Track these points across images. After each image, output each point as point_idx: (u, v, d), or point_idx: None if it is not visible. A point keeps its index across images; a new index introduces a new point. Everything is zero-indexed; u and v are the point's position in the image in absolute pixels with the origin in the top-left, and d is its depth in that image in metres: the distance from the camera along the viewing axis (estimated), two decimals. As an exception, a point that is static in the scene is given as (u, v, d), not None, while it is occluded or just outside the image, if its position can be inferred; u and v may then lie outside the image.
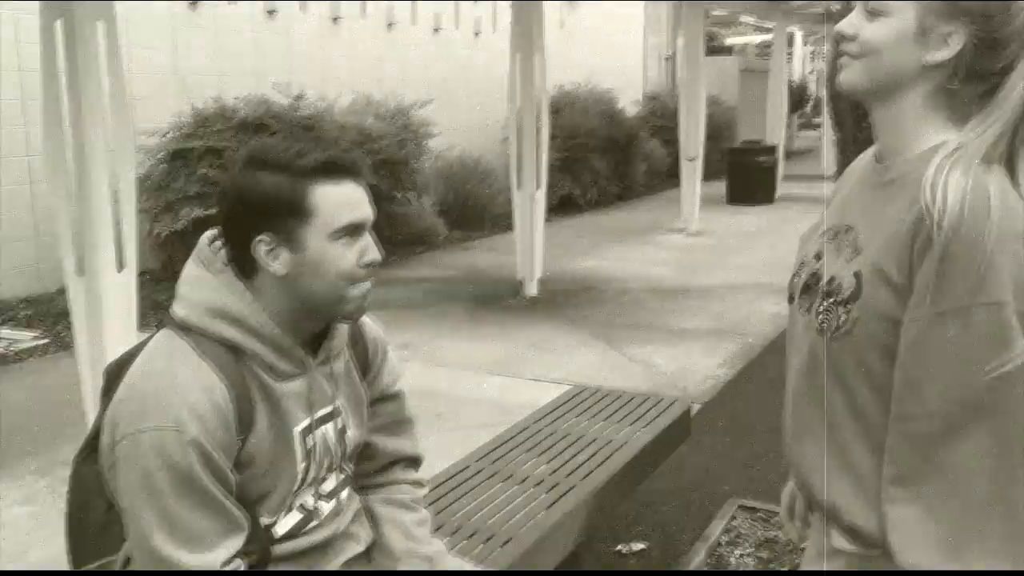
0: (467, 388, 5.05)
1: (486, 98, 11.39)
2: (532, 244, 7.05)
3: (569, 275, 7.99)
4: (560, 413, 3.13)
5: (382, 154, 8.11)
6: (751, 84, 17.39)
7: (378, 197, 6.52)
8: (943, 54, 1.20)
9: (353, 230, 1.45)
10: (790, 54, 20.57)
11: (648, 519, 3.45)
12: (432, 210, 9.58)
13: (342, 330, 1.60)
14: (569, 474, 2.61)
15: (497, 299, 7.10)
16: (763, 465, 3.92)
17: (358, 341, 1.68)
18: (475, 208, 10.17)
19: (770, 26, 15.05)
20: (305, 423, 1.52)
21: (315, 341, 1.55)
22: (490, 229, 10.16)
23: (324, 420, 1.56)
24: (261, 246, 1.43)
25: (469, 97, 11.37)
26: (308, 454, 1.53)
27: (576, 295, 7.27)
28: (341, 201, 1.44)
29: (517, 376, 5.25)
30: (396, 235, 8.53)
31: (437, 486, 2.52)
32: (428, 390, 4.87)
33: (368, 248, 1.47)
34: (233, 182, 1.45)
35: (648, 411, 3.09)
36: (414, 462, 1.83)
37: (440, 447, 3.58)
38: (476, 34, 11.88)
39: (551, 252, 8.64)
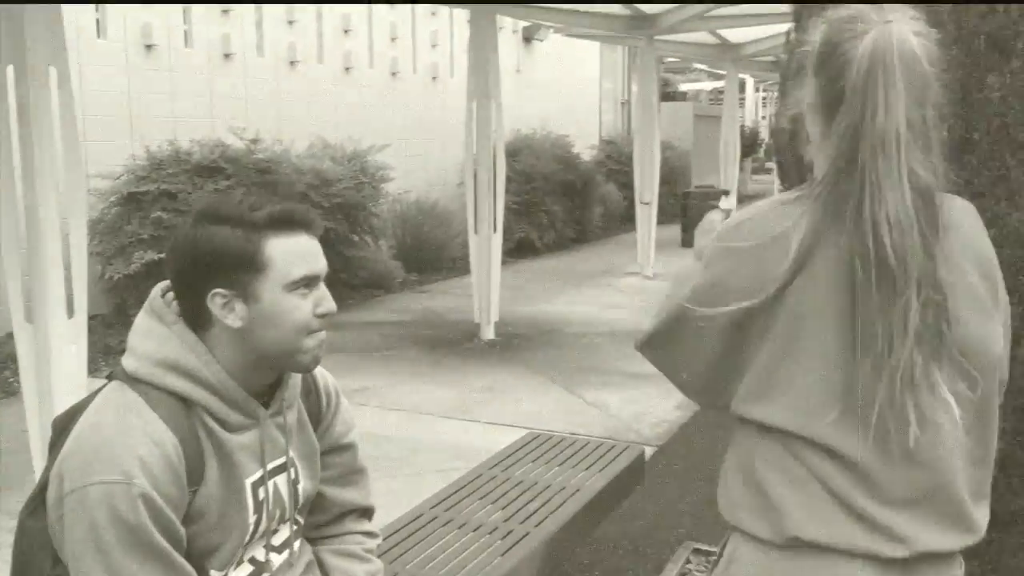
0: (423, 433, 5.03)
1: (443, 142, 11.48)
2: (488, 288, 7.07)
3: (526, 318, 8.02)
4: (515, 459, 3.14)
5: (339, 197, 8.11)
6: (705, 129, 17.74)
7: (335, 241, 6.50)
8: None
9: (308, 282, 1.47)
10: (742, 100, 21.03)
11: (603, 564, 3.45)
12: (389, 254, 9.59)
13: (295, 381, 1.61)
14: (523, 521, 2.61)
15: (454, 343, 7.10)
16: (717, 508, 3.95)
17: (311, 391, 1.68)
18: (432, 252, 10.18)
19: (722, 73, 15.38)
20: (257, 475, 1.52)
21: (268, 392, 1.55)
22: (447, 273, 10.18)
23: (276, 472, 1.56)
24: (217, 299, 1.44)
25: (426, 141, 11.44)
26: (259, 506, 1.52)
27: (533, 338, 7.29)
28: (295, 253, 1.46)
29: (474, 420, 5.25)
30: (353, 279, 8.51)
31: (390, 535, 2.51)
32: (384, 435, 4.84)
33: (324, 299, 1.49)
34: (185, 237, 1.46)
35: (602, 457, 3.11)
36: (366, 512, 1.83)
37: (395, 493, 3.57)
38: (433, 79, 11.99)
39: (508, 295, 8.67)
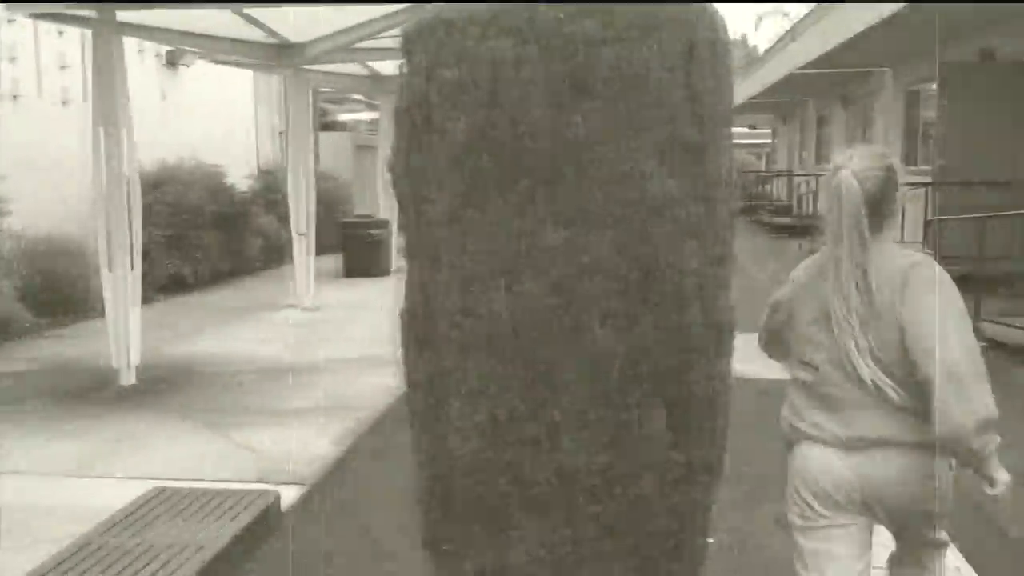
0: (43, 496, 4.48)
1: (77, 172, 10.51)
2: (127, 329, 6.54)
3: (174, 359, 7.52)
4: (135, 519, 2.88)
5: (-59, 235, 7.12)
6: (364, 159, 17.85)
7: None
8: None
9: None
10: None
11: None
12: (12, 295, 8.56)
13: None
14: (133, 590, 2.38)
15: (88, 391, 6.47)
16: (370, 542, 3.89)
17: None
18: (67, 291, 9.25)
19: (377, 103, 15.60)
20: None
21: None
22: (86, 314, 9.30)
23: None
24: None
25: (58, 171, 10.42)
26: None
27: (181, 381, 6.84)
28: None
29: (105, 476, 4.77)
30: (-35, 326, 7.51)
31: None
32: (-9, 505, 4.26)
33: None
34: None
35: (232, 507, 2.94)
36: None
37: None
38: (64, 103, 10.98)
39: (157, 335, 8.10)
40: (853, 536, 2.35)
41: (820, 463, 2.34)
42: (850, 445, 2.31)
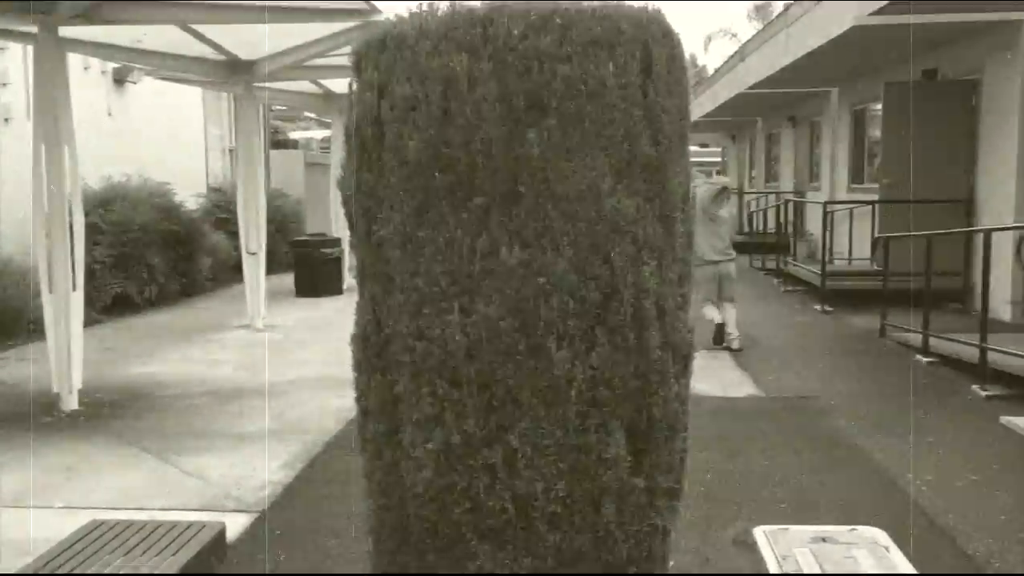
0: (-24, 529, 4.30)
1: (19, 189, 10.24)
2: (68, 352, 6.34)
3: (119, 383, 7.31)
4: (71, 555, 2.74)
5: None
6: (316, 177, 17.68)
7: None
8: None
9: None
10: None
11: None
12: (-52, 318, 8.30)
13: None
14: (67, 632, 2.26)
15: (27, 417, 6.24)
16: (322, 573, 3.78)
17: None
18: (8, 314, 8.98)
19: (330, 121, 15.47)
20: None
21: None
22: (27, 337, 9.02)
23: None
24: None
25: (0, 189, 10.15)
26: None
27: (126, 405, 6.64)
28: None
29: (44, 507, 4.59)
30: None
31: None
32: (-79, 539, 4.07)
33: None
34: None
35: (174, 540, 2.81)
36: None
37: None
38: (6, 120, 10.71)
39: (100, 358, 7.89)
40: (713, 287, 8.67)
41: (712, 267, 8.57)
42: (717, 259, 8.59)
